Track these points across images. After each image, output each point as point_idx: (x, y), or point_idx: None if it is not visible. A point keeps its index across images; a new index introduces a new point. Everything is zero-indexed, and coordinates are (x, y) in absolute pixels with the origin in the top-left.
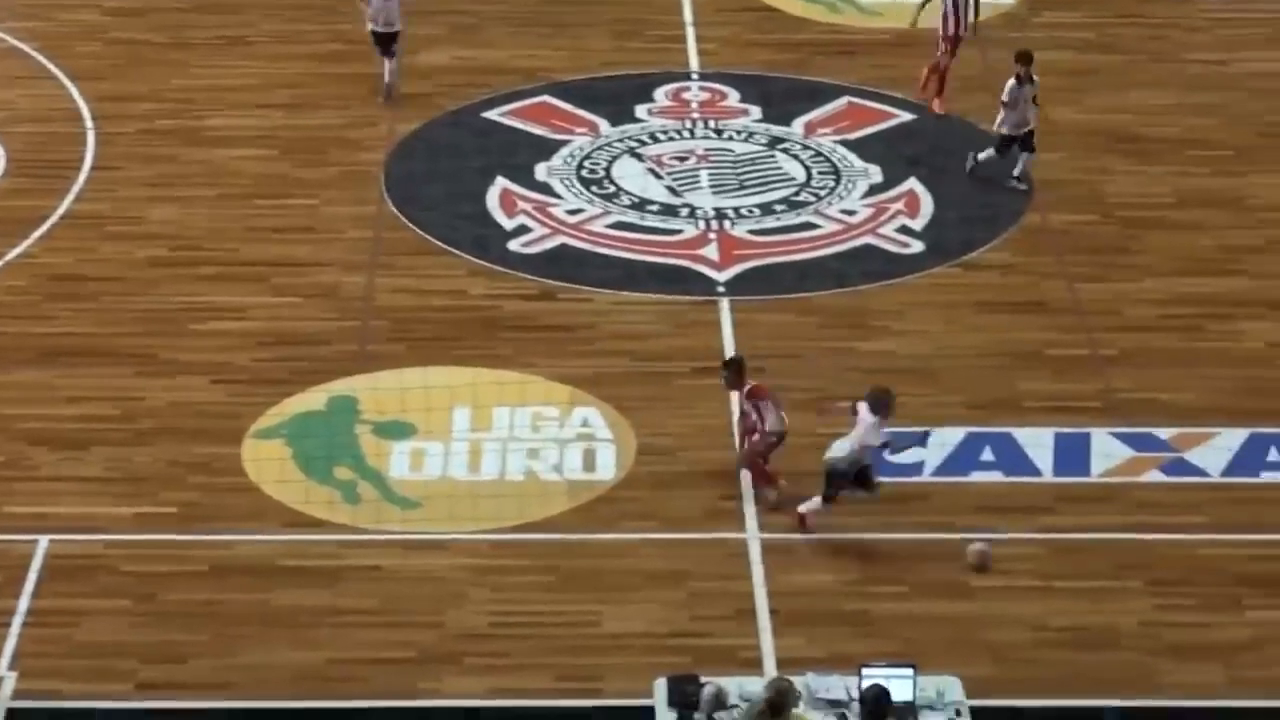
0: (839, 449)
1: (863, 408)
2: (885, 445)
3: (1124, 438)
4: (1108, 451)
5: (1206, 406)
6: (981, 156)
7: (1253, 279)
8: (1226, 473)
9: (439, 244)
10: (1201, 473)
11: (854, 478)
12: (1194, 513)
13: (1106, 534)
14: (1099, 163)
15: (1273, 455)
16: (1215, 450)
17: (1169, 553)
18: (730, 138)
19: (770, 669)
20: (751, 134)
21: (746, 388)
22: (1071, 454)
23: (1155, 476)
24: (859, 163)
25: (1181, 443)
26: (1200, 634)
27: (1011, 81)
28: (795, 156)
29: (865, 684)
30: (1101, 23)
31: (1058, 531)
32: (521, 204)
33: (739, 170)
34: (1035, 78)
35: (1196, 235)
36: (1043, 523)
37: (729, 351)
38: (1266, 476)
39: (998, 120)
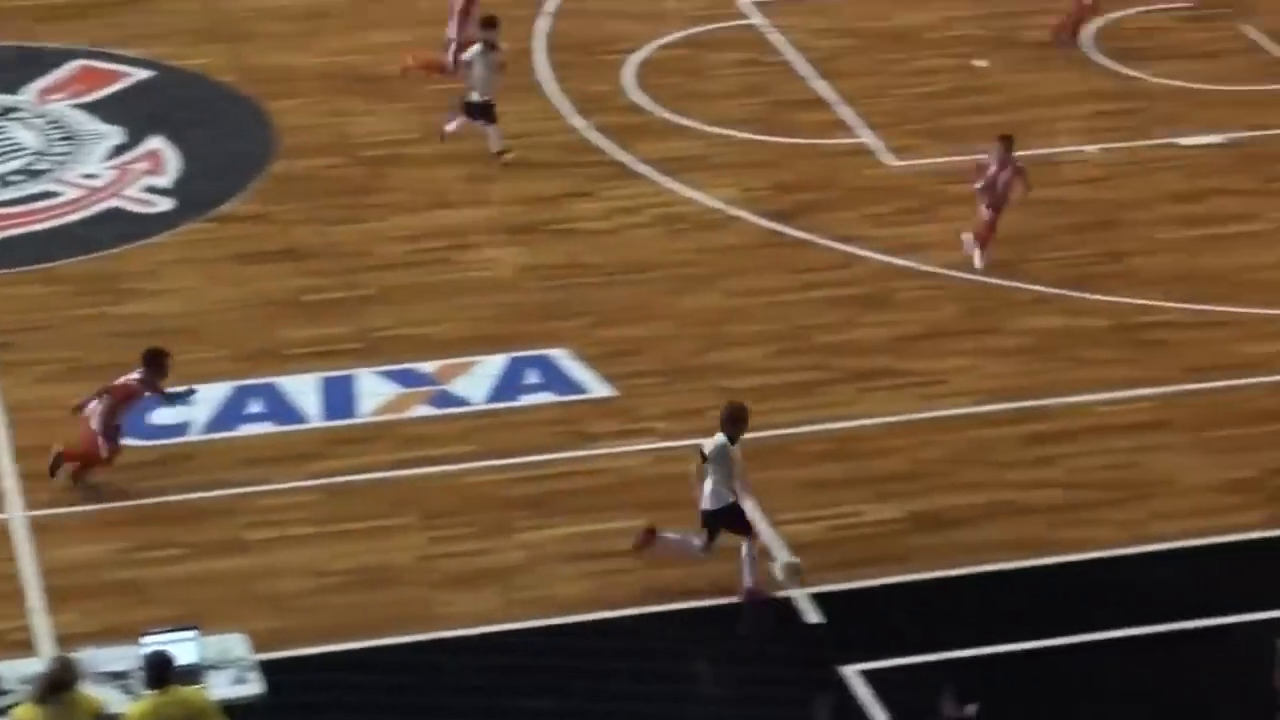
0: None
1: None
2: None
3: (389, 375)
4: (374, 391)
5: (465, 336)
6: (450, 128)
7: (496, 206)
8: (490, 399)
9: None
10: (465, 402)
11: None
12: (462, 442)
13: (378, 473)
14: (340, 105)
15: (530, 378)
16: (476, 378)
17: (440, 484)
18: None
19: (47, 649)
20: None
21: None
22: (338, 397)
23: (423, 410)
24: (98, 125)
25: (444, 374)
26: (476, 561)
27: (477, 47)
28: (29, 125)
29: (147, 652)
30: None
31: (330, 476)
32: None
33: None
34: (499, 45)
35: (440, 168)
36: (314, 469)
37: None
38: (525, 399)
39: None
